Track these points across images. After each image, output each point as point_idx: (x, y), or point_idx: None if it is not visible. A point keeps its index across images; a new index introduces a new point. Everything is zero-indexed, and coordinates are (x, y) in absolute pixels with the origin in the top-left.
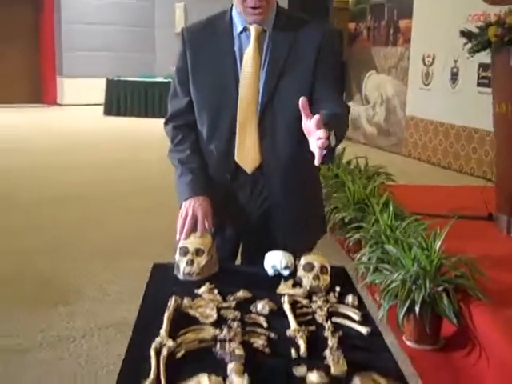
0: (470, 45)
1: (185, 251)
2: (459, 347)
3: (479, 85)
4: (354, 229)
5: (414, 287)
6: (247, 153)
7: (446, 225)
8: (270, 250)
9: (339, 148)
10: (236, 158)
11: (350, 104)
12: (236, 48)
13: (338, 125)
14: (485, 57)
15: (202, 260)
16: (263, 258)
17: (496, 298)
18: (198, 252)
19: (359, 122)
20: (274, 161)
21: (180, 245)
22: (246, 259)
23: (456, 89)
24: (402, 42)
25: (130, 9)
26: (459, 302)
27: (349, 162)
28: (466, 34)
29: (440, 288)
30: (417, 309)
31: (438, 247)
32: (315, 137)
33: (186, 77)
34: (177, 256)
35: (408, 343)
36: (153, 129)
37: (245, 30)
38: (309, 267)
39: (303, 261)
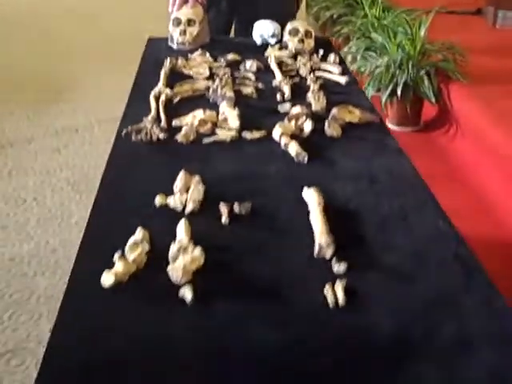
0: None
1: (178, 22)
2: (438, 127)
3: None
4: (343, 24)
5: (397, 72)
6: None
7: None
8: None
9: None
10: None
11: None
12: None
13: None
14: None
15: (194, 30)
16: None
17: (475, 80)
18: (190, 22)
19: None
20: None
21: (173, 16)
22: (238, 33)
23: None
24: None
25: None
26: (439, 83)
27: None
28: None
29: (422, 72)
30: (399, 91)
31: (422, 34)
32: None
33: None
34: (170, 27)
35: (390, 126)
36: None
37: None
38: (294, 31)
39: (289, 26)
